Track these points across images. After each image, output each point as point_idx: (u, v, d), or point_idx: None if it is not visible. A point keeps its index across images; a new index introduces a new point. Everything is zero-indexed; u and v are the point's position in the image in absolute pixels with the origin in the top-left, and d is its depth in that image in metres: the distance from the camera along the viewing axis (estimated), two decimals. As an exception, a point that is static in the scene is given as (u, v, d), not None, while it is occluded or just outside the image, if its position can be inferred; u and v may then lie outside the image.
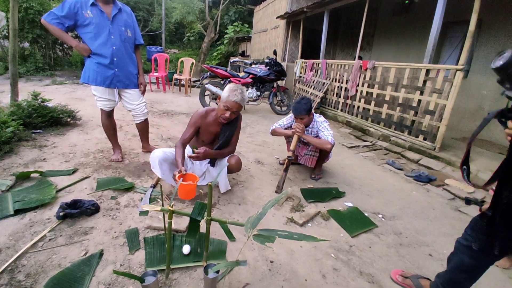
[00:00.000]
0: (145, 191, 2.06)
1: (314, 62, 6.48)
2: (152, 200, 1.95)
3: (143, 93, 2.58)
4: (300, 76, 7.14)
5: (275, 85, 5.79)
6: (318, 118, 2.53)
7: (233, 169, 2.12)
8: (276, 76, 5.56)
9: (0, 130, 2.51)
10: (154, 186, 2.09)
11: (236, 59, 10.56)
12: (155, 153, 1.97)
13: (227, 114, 1.91)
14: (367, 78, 4.68)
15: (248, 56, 12.75)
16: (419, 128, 3.78)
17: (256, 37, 11.63)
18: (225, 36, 15.02)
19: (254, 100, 5.62)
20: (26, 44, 8.21)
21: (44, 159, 2.50)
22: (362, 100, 4.82)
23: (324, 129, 2.43)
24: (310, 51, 8.48)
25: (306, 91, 6.53)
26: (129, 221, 1.72)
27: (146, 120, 2.69)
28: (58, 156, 2.59)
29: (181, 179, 1.68)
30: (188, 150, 2.21)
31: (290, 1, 7.95)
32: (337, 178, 2.73)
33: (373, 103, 4.56)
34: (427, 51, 3.76)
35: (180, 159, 1.88)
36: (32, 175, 2.14)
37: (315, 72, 6.43)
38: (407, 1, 6.10)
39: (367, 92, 4.72)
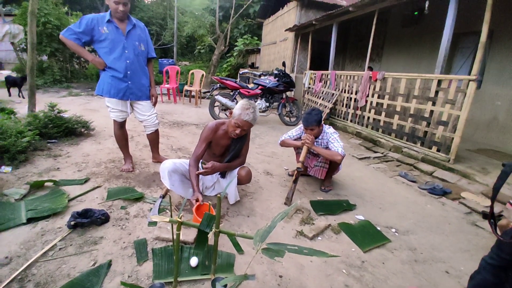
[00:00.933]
0: (155, 201, 2.07)
1: (323, 73, 6.51)
2: (161, 211, 1.95)
3: (154, 104, 2.64)
4: (309, 87, 7.17)
5: (284, 96, 5.82)
6: (328, 129, 2.51)
7: (243, 181, 2.11)
8: (285, 87, 5.60)
9: (16, 140, 2.59)
10: (163, 197, 2.10)
11: (246, 70, 10.74)
12: (165, 164, 1.99)
13: (238, 131, 1.92)
14: (377, 89, 4.65)
15: (257, 67, 12.95)
16: (432, 139, 3.69)
17: (265, 49, 11.83)
18: (234, 49, 15.37)
19: (263, 111, 5.64)
20: (45, 57, 8.61)
21: (58, 168, 2.56)
22: (372, 111, 4.78)
23: (334, 140, 2.41)
24: (319, 63, 8.54)
25: (315, 102, 6.52)
26: (138, 231, 1.72)
27: (156, 131, 2.74)
28: (72, 165, 2.64)
29: (196, 209, 1.70)
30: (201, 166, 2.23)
31: (299, 14, 8.09)
32: (348, 190, 2.67)
33: (383, 113, 4.51)
34: (438, 61, 3.72)
35: (195, 181, 1.87)
36: (46, 184, 2.19)
37: (324, 83, 6.44)
38: (416, 13, 6.12)
39: (377, 103, 4.68)
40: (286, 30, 8.26)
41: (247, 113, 1.87)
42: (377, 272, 1.57)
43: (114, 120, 2.51)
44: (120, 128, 2.57)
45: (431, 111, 3.72)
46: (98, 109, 5.60)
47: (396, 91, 4.26)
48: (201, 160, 2.21)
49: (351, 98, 5.36)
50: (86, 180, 2.32)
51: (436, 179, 3.19)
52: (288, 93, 6.00)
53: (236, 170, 2.11)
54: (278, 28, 9.99)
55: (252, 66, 13.73)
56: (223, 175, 2.16)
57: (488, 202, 2.59)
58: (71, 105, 5.75)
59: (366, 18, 6.67)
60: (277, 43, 10.12)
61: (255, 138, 4.38)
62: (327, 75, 6.28)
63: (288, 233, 1.86)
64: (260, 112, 5.67)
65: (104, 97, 2.38)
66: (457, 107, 3.34)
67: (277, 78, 5.61)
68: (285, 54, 9.24)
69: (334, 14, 5.58)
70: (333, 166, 2.53)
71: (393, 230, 2.03)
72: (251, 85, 5.84)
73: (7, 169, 2.40)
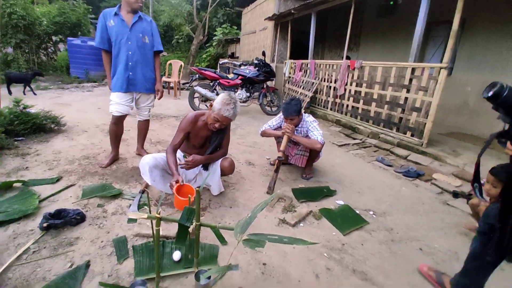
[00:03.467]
0: (134, 197, 2.01)
1: (303, 62, 6.52)
2: (140, 207, 1.90)
3: (159, 98, 2.71)
4: (290, 77, 7.17)
5: (264, 85, 5.79)
6: (307, 118, 2.54)
7: (226, 172, 2.09)
8: (265, 77, 5.56)
9: (-21, 139, 2.40)
10: (142, 192, 2.04)
11: (226, 60, 10.53)
12: (145, 159, 1.92)
13: (217, 125, 1.89)
14: (355, 78, 4.74)
15: (237, 57, 12.74)
16: (406, 125, 3.84)
17: (245, 39, 11.64)
18: (214, 38, 14.99)
19: (244, 101, 5.59)
20: (10, 50, 7.96)
21: (26, 167, 2.41)
22: (351, 99, 4.88)
23: (313, 128, 2.44)
24: (298, 52, 8.53)
25: (296, 91, 6.56)
26: (117, 229, 1.67)
27: (146, 122, 2.78)
28: (42, 164, 2.50)
29: (177, 190, 1.67)
30: (180, 155, 2.18)
31: (278, 3, 7.99)
32: (328, 176, 2.74)
33: (361, 101, 4.62)
34: (412, 50, 3.83)
35: (174, 166, 1.85)
36: (15, 184, 2.06)
37: (304, 72, 6.47)
38: (391, 3, 6.23)
39: (355, 91, 4.78)
40: (265, 19, 8.14)
41: (227, 108, 1.83)
42: (357, 254, 1.64)
43: (112, 115, 2.49)
44: (116, 123, 2.53)
45: (406, 98, 3.85)
46: (70, 103, 5.30)
47: (373, 79, 4.37)
48: (182, 154, 2.17)
49: (330, 87, 5.43)
50: (58, 179, 2.20)
51: (411, 163, 3.35)
52: (268, 82, 5.97)
53: (219, 162, 2.09)
54: (257, 17, 9.83)
55: (232, 56, 13.48)
56: (205, 167, 2.13)
57: (458, 183, 2.76)
58: (40, 99, 5.38)
59: (343, 8, 6.70)
60: (257, 32, 9.97)
61: (237, 129, 4.35)
62: (307, 64, 6.30)
63: (271, 221, 1.89)
64: (240, 102, 5.63)
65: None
66: (429, 93, 3.48)
67: (257, 68, 5.56)
68: (265, 44, 9.14)
69: (312, 3, 5.56)
70: (313, 154, 2.57)
71: (371, 212, 2.12)
72: (231, 75, 5.75)
73: (-31, 170, 2.23)
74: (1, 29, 6.94)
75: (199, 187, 1.16)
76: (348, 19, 4.97)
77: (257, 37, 9.98)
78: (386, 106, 4.14)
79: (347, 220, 1.96)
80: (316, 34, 6.47)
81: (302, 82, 6.40)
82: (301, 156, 2.58)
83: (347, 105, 4.99)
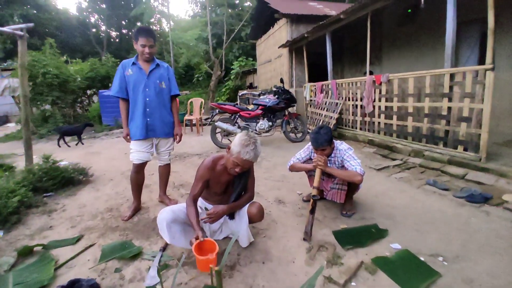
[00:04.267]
0: (154, 256, 1.79)
1: (323, 83, 6.32)
2: (162, 269, 1.67)
3: (178, 142, 2.63)
4: (311, 100, 6.97)
5: (286, 112, 5.61)
6: (341, 146, 2.24)
7: (254, 219, 1.82)
8: (286, 103, 5.39)
9: (7, 200, 2.40)
10: (163, 249, 1.82)
11: (244, 92, 10.70)
12: (162, 214, 1.73)
13: (238, 169, 1.67)
14: (384, 92, 4.39)
15: (255, 87, 12.95)
16: (455, 138, 3.35)
17: (261, 69, 11.87)
18: (231, 72, 15.54)
19: (267, 131, 5.41)
20: (48, 106, 8.76)
21: (50, 226, 2.33)
22: (382, 115, 4.49)
23: (349, 158, 2.12)
24: (316, 75, 8.38)
25: (319, 113, 6.29)
26: (134, 301, 1.44)
27: (166, 166, 2.66)
28: (66, 221, 2.42)
29: (197, 248, 1.50)
30: (202, 203, 1.96)
31: (290, 30, 8.09)
32: (373, 211, 2.34)
33: (395, 117, 4.21)
34: (446, 55, 3.47)
35: (195, 220, 1.66)
36: (36, 248, 1.96)
37: (326, 93, 6.23)
38: (409, 10, 5.97)
39: (386, 107, 4.40)
40: (279, 47, 8.24)
41: (247, 151, 1.61)
42: (436, 325, 1.22)
43: (133, 163, 2.43)
44: (137, 171, 2.46)
45: (449, 108, 3.41)
46: (99, 151, 5.51)
47: (405, 92, 3.99)
48: (204, 202, 1.95)
49: (356, 106, 5.10)
50: (78, 239, 2.07)
51: (471, 183, 2.83)
52: (290, 109, 5.79)
53: (245, 208, 1.83)
54: (271, 46, 10.03)
55: (251, 86, 13.76)
56: (231, 216, 1.88)
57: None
58: (73, 150, 5.67)
59: (359, 23, 6.56)
60: (272, 60, 10.12)
61: (262, 161, 4.11)
62: (328, 85, 6.08)
63: (313, 279, 1.54)
64: (263, 132, 5.46)
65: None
66: (478, 99, 3.04)
67: (276, 96, 5.43)
68: (281, 71, 9.17)
69: (326, 23, 5.48)
70: (352, 186, 2.22)
71: (440, 258, 1.68)
72: (251, 106, 5.67)
73: (-1, 234, 2.19)
74: (37, 88, 7.67)
75: (217, 267, 0.90)
76: (366, 34, 4.75)
77: (273, 65, 10.10)
78: (425, 119, 3.70)
79: (411, 272, 1.55)
80: (334, 53, 6.32)
81: (325, 104, 6.14)
82: (338, 190, 2.24)
83: (379, 123, 4.58)
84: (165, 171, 2.67)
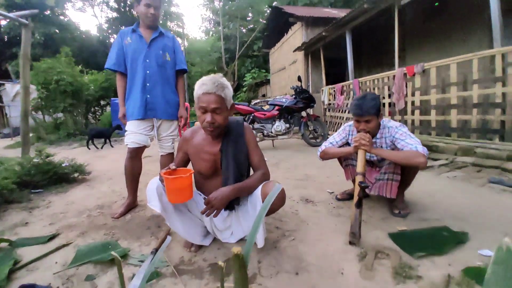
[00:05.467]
0: (142, 261, 1.30)
1: (343, 85, 5.87)
2: (151, 277, 1.17)
3: (183, 126, 2.18)
4: (329, 104, 6.50)
5: (305, 114, 5.14)
6: (389, 123, 1.74)
7: (273, 204, 1.29)
8: (305, 103, 4.93)
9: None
10: (155, 251, 1.33)
11: (258, 100, 10.38)
12: (153, 180, 1.28)
13: (208, 117, 1.24)
14: (417, 85, 3.87)
15: (269, 98, 12.67)
16: (516, 129, 2.76)
17: (275, 77, 11.61)
18: (244, 84, 15.44)
19: (284, 133, 4.93)
20: (60, 115, 8.71)
21: (26, 223, 1.90)
22: (416, 111, 3.94)
23: (404, 135, 1.61)
24: (332, 81, 8.00)
25: (340, 117, 5.79)
26: (103, 326, 0.94)
27: (170, 156, 2.17)
28: (46, 218, 1.98)
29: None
30: (199, 198, 1.47)
31: (305, 33, 7.81)
32: (434, 211, 1.78)
33: (433, 112, 3.65)
34: (494, 33, 3.00)
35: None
36: (2, 245, 1.52)
37: (347, 95, 5.76)
38: (436, 4, 5.55)
39: (421, 101, 3.86)
40: (294, 50, 7.94)
41: (202, 83, 1.24)
42: None
43: (128, 148, 1.99)
44: (132, 158, 2.02)
45: (503, 94, 2.85)
46: (106, 155, 5.19)
47: (446, 81, 3.47)
48: (203, 197, 1.46)
49: (384, 104, 4.58)
50: (52, 237, 1.61)
51: (551, 181, 2.21)
52: (308, 110, 5.32)
53: (259, 192, 1.27)
54: (285, 53, 9.79)
55: (264, 97, 13.51)
56: (232, 206, 1.38)
57: None
58: (81, 155, 5.38)
59: (379, 25, 6.19)
60: (286, 68, 9.83)
61: (280, 163, 3.61)
62: (349, 85, 5.62)
63: (377, 300, 1.00)
64: (279, 135, 4.96)
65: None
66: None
67: (294, 96, 5.00)
68: (296, 78, 8.83)
69: (347, 18, 5.11)
70: (407, 175, 1.69)
71: None
72: (266, 107, 5.25)
73: (-40, 230, 1.77)
74: (51, 94, 7.61)
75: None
76: (387, 35, 4.34)
77: (287, 72, 9.80)
78: (475, 110, 3.13)
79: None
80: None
81: (346, 105, 5.65)
82: (388, 181, 1.69)
83: (413, 120, 4.03)
84: (167, 162, 2.19)
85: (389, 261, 1.20)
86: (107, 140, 6.32)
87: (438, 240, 1.37)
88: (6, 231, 1.77)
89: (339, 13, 8.99)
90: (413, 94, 3.96)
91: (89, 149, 5.97)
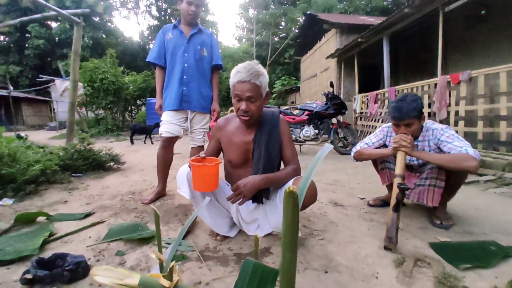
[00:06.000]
0: (169, 243, 1.31)
1: (378, 93, 5.63)
2: (177, 260, 1.18)
3: (215, 120, 2.21)
4: (361, 112, 6.27)
5: (335, 121, 4.99)
6: (433, 125, 1.61)
7: (304, 200, 1.25)
8: (336, 109, 4.78)
9: (26, 168, 2.20)
10: (184, 237, 1.34)
11: (287, 107, 10.35)
12: (182, 168, 1.30)
13: (243, 105, 1.22)
14: (462, 94, 3.59)
15: (298, 104, 12.59)
16: None
17: (305, 84, 11.51)
18: (273, 91, 15.50)
19: (312, 139, 4.82)
20: (101, 111, 9.39)
21: (65, 201, 2.04)
22: (461, 122, 3.63)
23: (452, 138, 1.48)
24: (363, 91, 7.72)
25: (373, 126, 5.55)
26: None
27: (200, 148, 2.23)
28: (83, 198, 2.11)
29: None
30: (226, 186, 1.47)
31: (339, 40, 7.67)
32: (481, 225, 1.60)
33: (480, 123, 3.34)
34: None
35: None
36: (39, 219, 1.64)
37: (381, 103, 5.51)
38: (483, 12, 5.16)
39: (466, 111, 3.56)
40: (327, 57, 7.82)
41: (237, 71, 1.22)
42: None
43: (161, 136, 2.08)
44: (165, 146, 2.10)
45: None
46: (139, 150, 5.46)
47: (494, 90, 3.17)
48: (230, 186, 1.46)
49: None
50: (87, 215, 1.71)
51: None
52: (339, 117, 5.16)
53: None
54: (317, 60, 9.68)
55: (293, 104, 13.45)
56: (261, 198, 1.35)
57: None
58: (116, 148, 5.71)
59: (417, 32, 5.90)
60: (318, 75, 9.71)
61: (307, 168, 3.51)
62: (384, 93, 5.38)
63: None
64: (308, 140, 4.86)
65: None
66: None
67: (325, 102, 4.89)
68: (328, 83, 8.67)
69: (386, 24, 4.94)
70: (454, 183, 1.53)
71: None
72: (296, 111, 5.19)
73: (8, 201, 1.95)
74: (94, 91, 8.25)
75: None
76: (427, 42, 4.10)
77: (318, 79, 9.67)
78: (530, 123, 2.81)
79: None
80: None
81: (380, 114, 5.41)
82: (430, 188, 1.55)
83: (456, 131, 3.68)
84: (196, 153, 2.26)
85: (430, 270, 1.09)
86: (148, 136, 6.62)
87: (485, 253, 1.22)
88: (46, 207, 1.91)
89: (376, 20, 8.74)
90: (457, 104, 3.67)
91: (133, 144, 6.30)
